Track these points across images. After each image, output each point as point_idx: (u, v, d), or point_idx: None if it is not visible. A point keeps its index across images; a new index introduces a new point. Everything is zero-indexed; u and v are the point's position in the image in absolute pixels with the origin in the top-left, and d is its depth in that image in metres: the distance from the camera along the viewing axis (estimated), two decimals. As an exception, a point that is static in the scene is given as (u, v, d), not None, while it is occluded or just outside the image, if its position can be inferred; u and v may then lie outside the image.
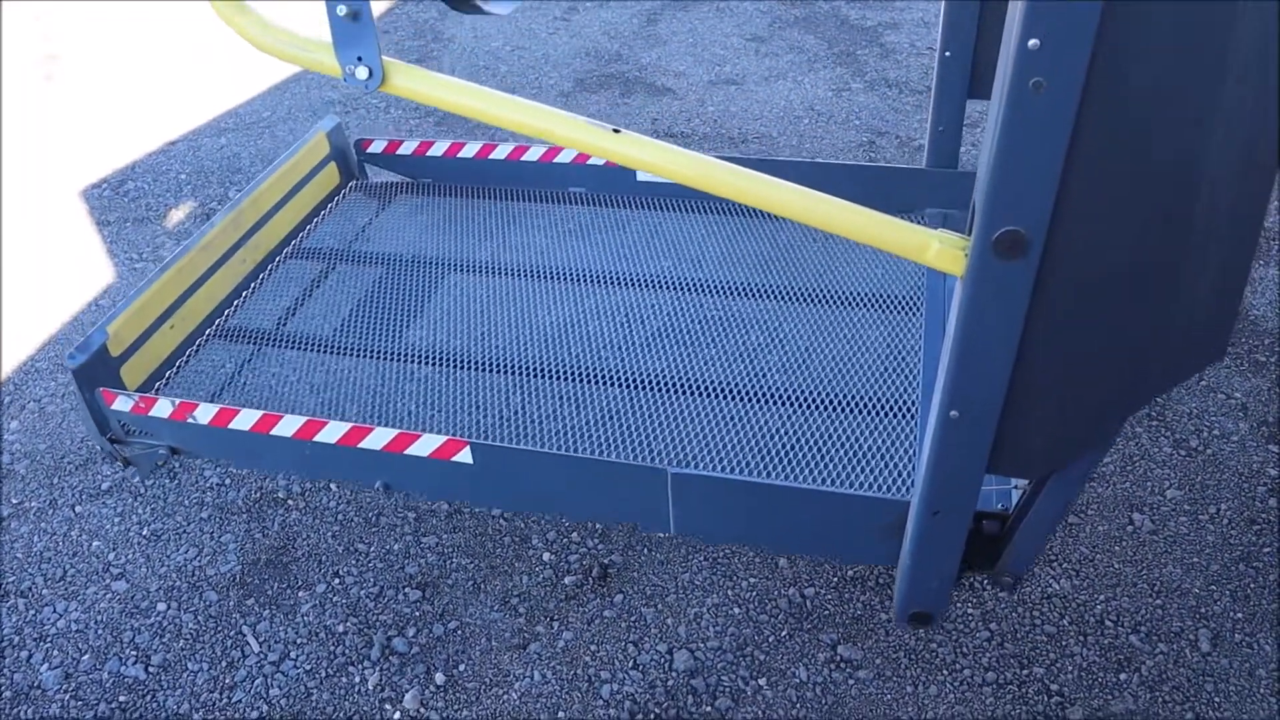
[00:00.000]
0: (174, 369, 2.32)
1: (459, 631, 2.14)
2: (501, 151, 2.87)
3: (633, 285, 2.52)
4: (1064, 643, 2.06)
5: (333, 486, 2.34)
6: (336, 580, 2.25)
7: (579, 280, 2.55)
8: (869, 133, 4.07)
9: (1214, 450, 2.48)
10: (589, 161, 2.77)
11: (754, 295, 2.47)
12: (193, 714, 2.01)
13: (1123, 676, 2.00)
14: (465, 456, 1.83)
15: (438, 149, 2.93)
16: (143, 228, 3.64)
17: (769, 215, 2.68)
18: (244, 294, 2.54)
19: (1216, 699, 1.95)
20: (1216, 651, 2.04)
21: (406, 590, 2.22)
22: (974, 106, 2.65)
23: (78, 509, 2.48)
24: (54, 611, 2.23)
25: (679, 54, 4.81)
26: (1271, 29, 0.96)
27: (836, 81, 4.49)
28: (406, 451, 1.87)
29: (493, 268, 2.62)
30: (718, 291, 2.50)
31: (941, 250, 1.21)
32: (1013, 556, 1.57)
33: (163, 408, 1.99)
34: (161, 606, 2.23)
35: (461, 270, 2.62)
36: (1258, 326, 2.88)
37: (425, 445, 1.85)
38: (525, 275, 2.58)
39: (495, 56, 4.89)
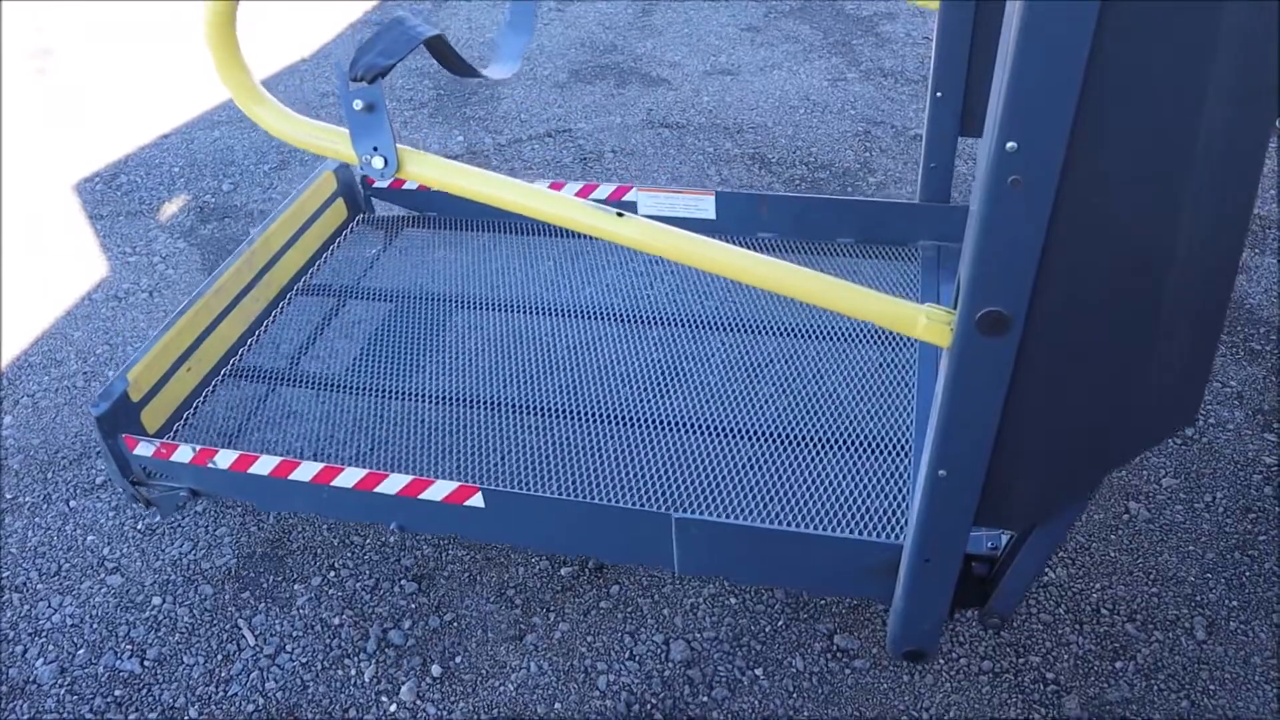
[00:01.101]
0: (191, 410, 2.35)
1: (455, 624, 2.13)
2: None
3: (633, 321, 2.56)
4: (1060, 631, 2.06)
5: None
6: (332, 573, 2.25)
7: (581, 315, 2.59)
8: (864, 122, 4.06)
9: (1210, 439, 2.48)
10: (591, 196, 2.83)
11: (752, 330, 2.51)
12: (189, 708, 2.01)
13: (1118, 664, 2.00)
14: (477, 501, 1.90)
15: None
16: (135, 221, 3.62)
17: (771, 250, 2.76)
18: (257, 333, 2.57)
19: (1212, 686, 1.96)
20: (1212, 639, 2.04)
21: (402, 583, 2.22)
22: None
23: (72, 503, 2.48)
24: (49, 606, 2.23)
25: (674, 44, 4.80)
26: (1238, 121, 1.04)
27: (832, 71, 4.48)
28: (420, 496, 1.93)
29: (496, 303, 2.66)
30: (717, 327, 2.54)
31: (929, 325, 1.29)
32: (1000, 598, 1.65)
33: (183, 453, 2.05)
34: (157, 600, 2.22)
35: (466, 306, 2.66)
36: (1254, 315, 2.88)
37: (438, 490, 1.92)
38: (529, 310, 2.62)
39: (490, 48, 4.87)
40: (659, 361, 2.41)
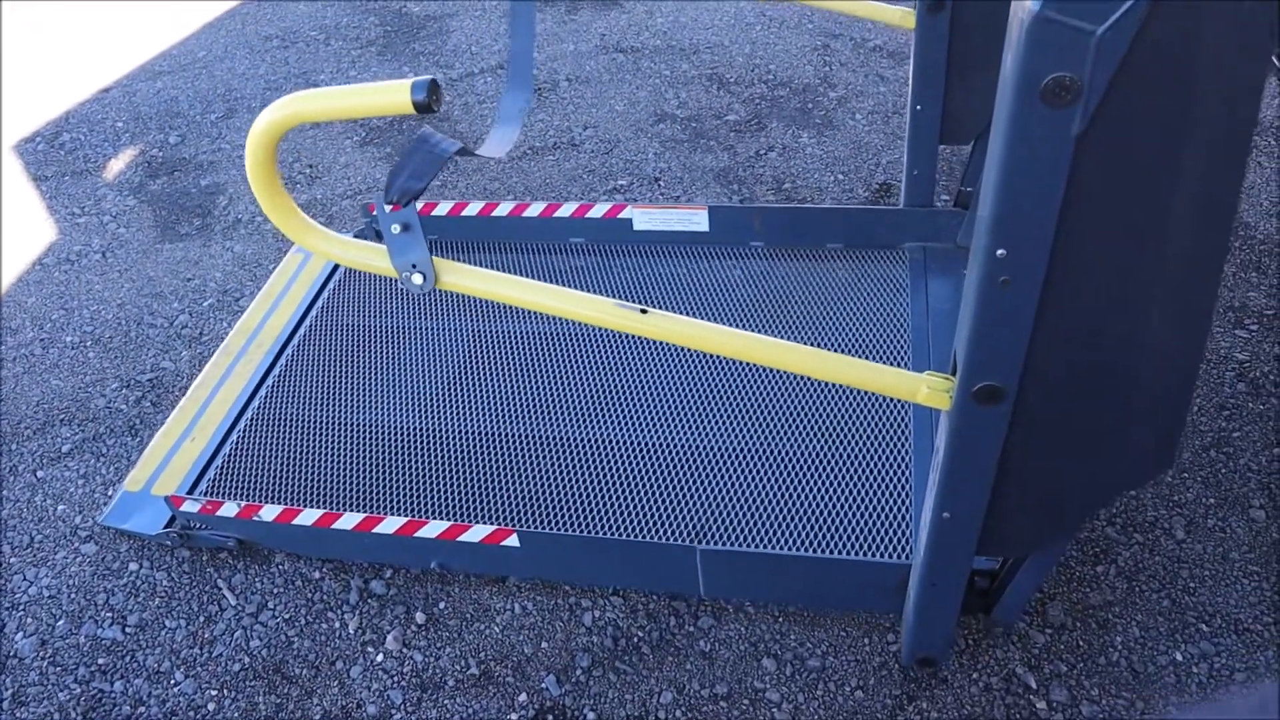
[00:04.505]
0: (210, 467, 2.35)
1: (436, 570, 2.12)
2: (504, 209, 2.90)
3: (633, 340, 2.56)
4: (1040, 539, 2.07)
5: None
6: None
7: (582, 339, 2.59)
8: (823, 36, 3.98)
9: (1181, 338, 2.48)
10: (587, 215, 2.86)
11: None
12: (174, 671, 1.99)
13: (1100, 569, 2.02)
14: (512, 541, 1.98)
15: (442, 209, 2.93)
16: (82, 180, 3.52)
17: (763, 258, 2.81)
18: (263, 386, 2.55)
19: (1192, 584, 1.98)
20: (1190, 538, 2.06)
21: (381, 533, 2.20)
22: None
23: (39, 474, 2.43)
24: (24, 579, 2.20)
25: (625, -35, 4.67)
26: (1200, 227, 1.17)
27: (787, -15, 4.38)
28: (459, 539, 2.01)
29: (498, 330, 2.65)
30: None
31: (930, 393, 1.42)
32: (1002, 610, 1.83)
33: (229, 509, 2.11)
34: (134, 566, 2.20)
35: (469, 336, 2.64)
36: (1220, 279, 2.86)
37: (475, 533, 2.00)
38: (531, 336, 2.61)
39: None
40: (658, 383, 2.43)
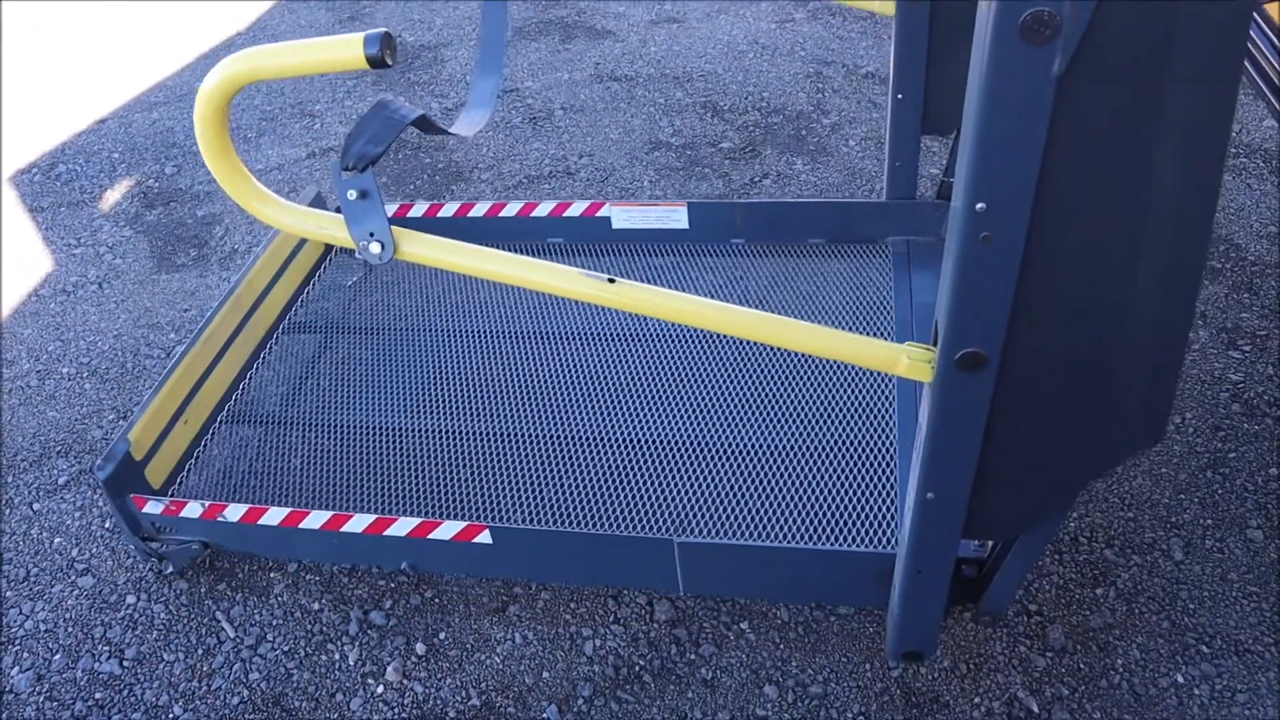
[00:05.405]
0: (192, 460, 2.33)
1: (436, 600, 2.11)
2: (480, 209, 2.90)
3: (615, 339, 2.57)
4: (1040, 562, 2.07)
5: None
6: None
7: (562, 337, 2.60)
8: (815, 63, 4.02)
9: (1176, 360, 2.49)
10: (565, 213, 2.84)
11: (730, 341, 2.52)
12: (172, 705, 1.98)
13: (1099, 591, 2.02)
14: (485, 538, 1.96)
15: (417, 210, 2.93)
16: (78, 211, 3.53)
17: (744, 255, 2.81)
18: (248, 375, 2.56)
19: (1191, 605, 1.98)
20: (1189, 559, 2.06)
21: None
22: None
23: (35, 506, 2.42)
24: (20, 613, 2.18)
25: (617, -6, 4.71)
26: (1186, 180, 1.13)
27: (779, 13, 4.42)
28: (429, 536, 1.98)
29: (476, 329, 2.66)
30: (697, 338, 2.54)
31: (911, 364, 1.38)
32: (991, 599, 1.80)
33: (192, 509, 2.07)
34: (131, 599, 2.19)
35: (449, 334, 2.65)
36: (1211, 233, 2.89)
37: (447, 530, 1.97)
38: (507, 335, 2.62)
39: (429, 9, 4.76)
40: (640, 378, 2.43)
